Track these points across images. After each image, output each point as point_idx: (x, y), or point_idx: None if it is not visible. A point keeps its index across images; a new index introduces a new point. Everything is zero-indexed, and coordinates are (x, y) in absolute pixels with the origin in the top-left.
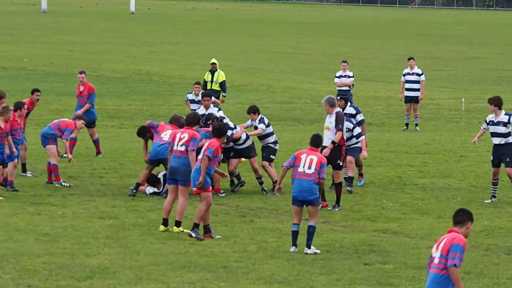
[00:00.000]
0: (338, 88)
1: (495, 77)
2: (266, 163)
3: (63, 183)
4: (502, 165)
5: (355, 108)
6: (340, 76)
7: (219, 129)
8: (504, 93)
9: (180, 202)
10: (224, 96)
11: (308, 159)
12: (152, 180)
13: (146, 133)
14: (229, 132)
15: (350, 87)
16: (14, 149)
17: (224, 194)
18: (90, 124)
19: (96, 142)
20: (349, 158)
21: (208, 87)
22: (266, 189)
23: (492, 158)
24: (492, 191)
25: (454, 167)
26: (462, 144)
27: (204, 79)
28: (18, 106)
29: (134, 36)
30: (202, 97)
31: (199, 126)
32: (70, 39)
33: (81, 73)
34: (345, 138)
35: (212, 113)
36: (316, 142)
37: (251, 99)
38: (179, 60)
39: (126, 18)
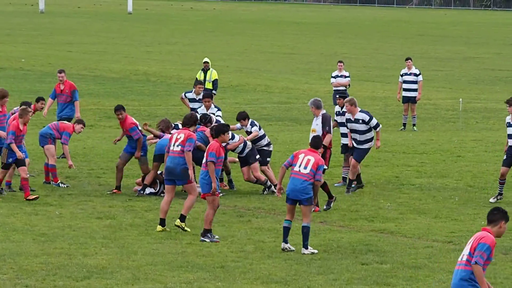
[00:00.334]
0: (334, 88)
1: (492, 77)
2: (264, 168)
3: (60, 184)
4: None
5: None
6: (336, 76)
7: (217, 129)
8: (501, 93)
9: (189, 198)
10: (215, 94)
11: (306, 159)
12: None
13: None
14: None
15: (346, 87)
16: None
17: (221, 194)
18: (68, 120)
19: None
20: (353, 162)
21: None
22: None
23: (505, 158)
24: (499, 189)
25: (451, 167)
26: (459, 144)
27: (197, 78)
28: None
29: (132, 36)
30: (203, 97)
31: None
32: (67, 39)
33: (60, 72)
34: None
35: (207, 113)
36: (316, 143)
37: (249, 99)
38: (177, 60)
39: (124, 19)
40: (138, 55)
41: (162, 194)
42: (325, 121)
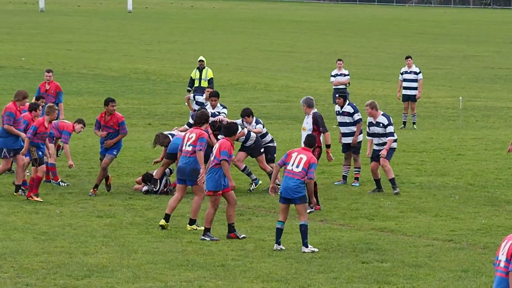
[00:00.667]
0: (334, 87)
1: (492, 75)
2: (272, 165)
3: (60, 183)
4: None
5: (353, 107)
6: (336, 75)
7: (229, 128)
8: (501, 92)
9: (194, 200)
10: None
11: (298, 157)
12: (148, 179)
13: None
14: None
15: (346, 85)
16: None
17: None
18: None
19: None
20: (382, 161)
21: (196, 85)
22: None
23: None
24: None
25: (452, 166)
26: (460, 143)
27: (191, 77)
28: (33, 107)
29: (131, 35)
30: (210, 96)
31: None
32: (67, 38)
33: (48, 71)
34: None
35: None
36: (309, 142)
37: (248, 97)
38: (176, 58)
39: (123, 17)
40: (138, 53)
41: (170, 192)
42: (318, 120)
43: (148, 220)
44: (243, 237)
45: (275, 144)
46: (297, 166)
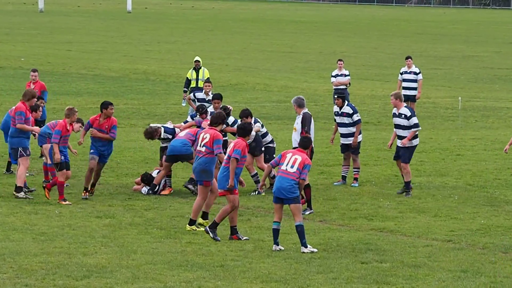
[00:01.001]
0: (334, 87)
1: (492, 76)
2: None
3: None
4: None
5: (352, 108)
6: (336, 75)
7: (244, 129)
8: (500, 92)
9: (196, 201)
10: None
11: (293, 158)
12: (147, 179)
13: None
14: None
15: (347, 86)
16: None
17: None
18: (40, 123)
19: None
20: (402, 164)
21: (193, 85)
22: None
23: None
24: None
25: (451, 166)
26: (459, 143)
27: (187, 77)
28: (34, 108)
29: (131, 35)
30: (213, 99)
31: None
32: (66, 38)
33: (34, 71)
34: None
35: (204, 105)
36: (304, 143)
37: (248, 98)
38: (176, 59)
39: (123, 17)
40: (138, 54)
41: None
42: (305, 120)
43: (147, 220)
44: (246, 239)
45: (275, 145)
46: (292, 167)
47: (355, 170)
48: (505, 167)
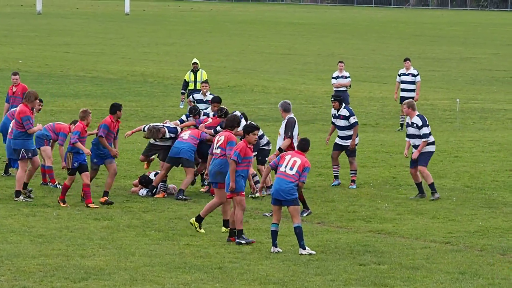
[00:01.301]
0: (335, 89)
1: (489, 78)
2: (261, 167)
3: (58, 185)
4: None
5: (349, 110)
6: (337, 77)
7: (245, 129)
8: (498, 94)
9: (211, 201)
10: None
11: (292, 160)
12: (145, 181)
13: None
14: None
15: (347, 88)
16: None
17: None
18: None
19: None
20: (420, 168)
21: (191, 87)
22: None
23: None
24: None
25: (449, 168)
26: (457, 145)
27: (185, 79)
28: None
29: (129, 37)
30: (212, 102)
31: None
32: (64, 40)
33: (15, 74)
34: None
35: (197, 106)
36: (303, 146)
37: (246, 99)
38: (174, 61)
39: (121, 19)
40: (136, 56)
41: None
42: (288, 125)
43: (145, 222)
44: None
45: (270, 148)
46: (291, 169)
47: (352, 172)
48: (503, 169)
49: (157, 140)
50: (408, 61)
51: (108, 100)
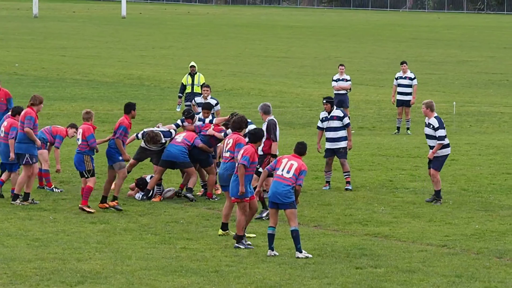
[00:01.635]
0: (335, 92)
1: (486, 81)
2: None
3: (54, 189)
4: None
5: (342, 111)
6: (338, 80)
7: (254, 134)
8: (495, 97)
9: (225, 205)
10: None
11: (289, 163)
12: (142, 183)
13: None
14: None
15: (347, 91)
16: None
17: (217, 199)
18: None
19: None
20: (432, 171)
21: (188, 90)
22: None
23: None
24: None
25: (445, 171)
26: (453, 148)
27: (182, 83)
28: (17, 111)
29: (125, 41)
30: (203, 109)
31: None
32: (61, 43)
33: None
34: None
35: (191, 109)
36: (299, 149)
37: (243, 103)
38: (170, 64)
39: (117, 23)
40: (132, 59)
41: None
42: (269, 128)
43: (142, 226)
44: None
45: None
46: (288, 172)
47: (346, 174)
48: (499, 172)
49: (150, 145)
50: (405, 65)
51: (104, 103)
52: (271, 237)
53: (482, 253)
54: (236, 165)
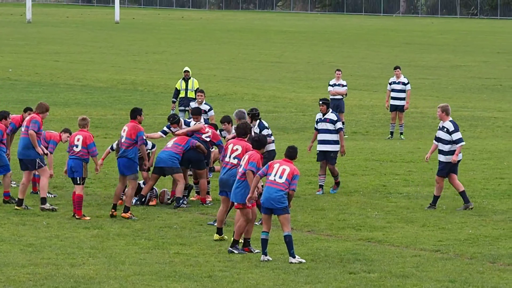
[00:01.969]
0: (331, 97)
1: (479, 85)
2: None
3: (48, 194)
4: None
5: (336, 115)
6: (334, 85)
7: (259, 141)
8: (488, 101)
9: (220, 210)
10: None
11: (281, 168)
12: (137, 189)
13: None
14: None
15: (343, 96)
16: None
17: (210, 204)
18: None
19: None
20: (437, 177)
21: (182, 95)
22: None
23: None
24: None
25: None
26: None
27: (176, 88)
28: (3, 115)
29: (119, 46)
30: (192, 114)
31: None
32: (54, 49)
33: None
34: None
35: (176, 115)
36: (290, 154)
37: (236, 108)
38: (164, 69)
39: (111, 28)
40: (125, 64)
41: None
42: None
43: (135, 231)
44: (257, 252)
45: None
46: (280, 177)
47: (335, 177)
48: (493, 177)
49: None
50: (398, 70)
51: (98, 108)
52: (264, 242)
53: (475, 258)
54: (238, 170)
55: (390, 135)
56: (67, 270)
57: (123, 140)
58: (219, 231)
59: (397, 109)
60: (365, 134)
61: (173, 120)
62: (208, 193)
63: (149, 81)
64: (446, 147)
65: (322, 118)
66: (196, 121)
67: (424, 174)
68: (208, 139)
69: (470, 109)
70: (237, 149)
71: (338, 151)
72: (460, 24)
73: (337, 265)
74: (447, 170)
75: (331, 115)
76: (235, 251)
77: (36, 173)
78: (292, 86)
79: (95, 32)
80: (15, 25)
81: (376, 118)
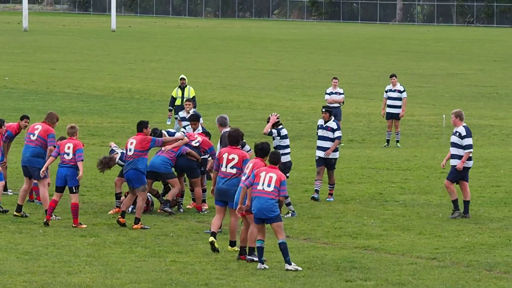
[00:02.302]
0: (328, 105)
1: (475, 93)
2: None
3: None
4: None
5: (337, 124)
6: (331, 93)
7: (262, 149)
8: (484, 109)
9: (216, 218)
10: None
11: (268, 176)
12: None
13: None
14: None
15: (340, 104)
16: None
17: (206, 212)
18: None
19: None
20: (446, 182)
21: (178, 103)
22: None
23: None
24: None
25: (435, 184)
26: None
27: (172, 96)
28: None
29: (115, 54)
30: (189, 120)
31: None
32: (51, 57)
33: None
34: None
35: (157, 128)
36: (274, 159)
37: (232, 116)
38: (160, 77)
39: (107, 36)
40: (122, 72)
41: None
42: (224, 139)
43: (132, 239)
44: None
45: None
46: (269, 185)
47: (330, 186)
48: (489, 185)
49: (103, 170)
50: (394, 77)
51: (94, 116)
52: (260, 250)
53: (472, 266)
54: (243, 178)
55: (386, 143)
56: (63, 278)
57: (131, 153)
58: (214, 235)
59: (393, 117)
60: (361, 142)
61: (155, 135)
62: (204, 201)
63: (146, 89)
64: (457, 151)
65: (324, 126)
66: (194, 128)
67: (420, 182)
68: (197, 144)
69: (466, 117)
70: (233, 159)
71: (336, 158)
72: (456, 32)
73: (333, 273)
74: (459, 176)
75: (332, 124)
76: (255, 258)
77: (35, 181)
78: (289, 94)
79: (91, 40)
80: (12, 33)
81: (373, 126)
